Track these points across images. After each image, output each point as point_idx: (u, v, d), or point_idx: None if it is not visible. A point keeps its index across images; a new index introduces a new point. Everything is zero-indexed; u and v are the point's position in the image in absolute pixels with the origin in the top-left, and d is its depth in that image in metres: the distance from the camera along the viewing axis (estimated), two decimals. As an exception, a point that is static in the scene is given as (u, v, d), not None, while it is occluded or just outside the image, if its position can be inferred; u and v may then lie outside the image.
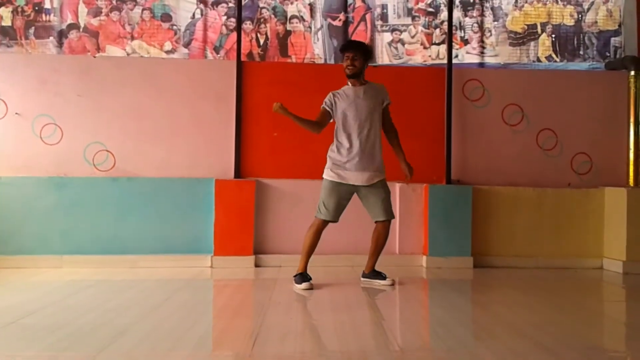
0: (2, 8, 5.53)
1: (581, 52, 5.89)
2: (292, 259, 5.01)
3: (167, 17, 5.66)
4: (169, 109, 5.24)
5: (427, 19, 5.82)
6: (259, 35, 5.70)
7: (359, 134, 4.17)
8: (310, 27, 5.76)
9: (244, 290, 4.33)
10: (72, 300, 3.69)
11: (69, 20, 5.59)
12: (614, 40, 5.88)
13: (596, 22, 5.89)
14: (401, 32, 5.81)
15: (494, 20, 5.86)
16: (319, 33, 5.76)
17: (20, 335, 2.89)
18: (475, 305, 4.02)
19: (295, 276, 4.22)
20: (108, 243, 4.98)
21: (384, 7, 5.80)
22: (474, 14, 5.84)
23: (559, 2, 5.90)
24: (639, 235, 5.01)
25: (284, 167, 5.21)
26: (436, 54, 5.80)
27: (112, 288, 4.14)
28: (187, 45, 5.68)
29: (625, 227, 5.04)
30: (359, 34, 5.77)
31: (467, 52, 5.83)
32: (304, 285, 4.12)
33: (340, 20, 5.77)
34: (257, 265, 5.03)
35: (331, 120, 4.26)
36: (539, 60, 5.88)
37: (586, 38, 5.89)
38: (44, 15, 5.57)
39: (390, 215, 4.27)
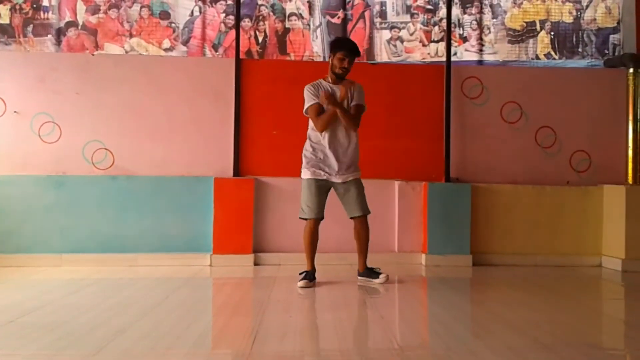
0: (0, 6, 5.51)
1: (580, 50, 5.89)
2: (291, 257, 5.04)
3: (165, 15, 5.65)
4: (167, 107, 5.23)
5: (425, 17, 5.81)
6: (257, 32, 5.70)
7: (335, 132, 4.17)
8: (309, 25, 5.75)
9: (243, 289, 4.33)
10: (72, 299, 3.69)
11: (68, 17, 5.58)
12: (613, 38, 5.88)
13: (595, 19, 5.89)
14: (400, 29, 5.80)
15: (492, 18, 5.85)
16: (318, 30, 5.75)
17: (19, 334, 2.89)
18: (474, 303, 4.03)
19: (301, 273, 4.23)
20: (107, 241, 4.98)
21: (382, 4, 5.79)
22: (473, 12, 5.83)
23: (558, -1, 5.90)
24: (638, 233, 5.01)
25: (283, 165, 5.19)
26: (435, 52, 5.79)
27: (111, 286, 4.14)
28: (185, 42, 5.67)
29: (624, 224, 5.04)
30: (358, 32, 5.76)
31: (466, 50, 5.82)
32: (301, 283, 4.12)
33: (339, 17, 5.76)
34: (256, 264, 5.03)
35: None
36: (537, 57, 5.88)
37: (585, 35, 5.89)
38: (42, 13, 5.56)
39: (365, 210, 4.26)
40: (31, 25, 5.55)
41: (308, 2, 5.74)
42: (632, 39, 5.67)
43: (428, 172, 5.36)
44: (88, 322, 3.09)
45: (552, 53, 5.89)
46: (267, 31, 5.71)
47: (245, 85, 5.28)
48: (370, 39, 5.80)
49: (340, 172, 4.18)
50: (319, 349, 2.76)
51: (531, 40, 5.88)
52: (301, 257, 5.00)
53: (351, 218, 4.29)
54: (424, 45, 5.82)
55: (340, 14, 5.76)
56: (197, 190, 5.08)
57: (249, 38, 5.67)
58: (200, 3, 5.67)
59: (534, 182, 5.39)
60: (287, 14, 5.72)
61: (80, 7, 5.58)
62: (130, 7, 5.62)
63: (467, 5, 5.82)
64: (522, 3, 5.87)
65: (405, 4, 5.80)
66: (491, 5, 5.85)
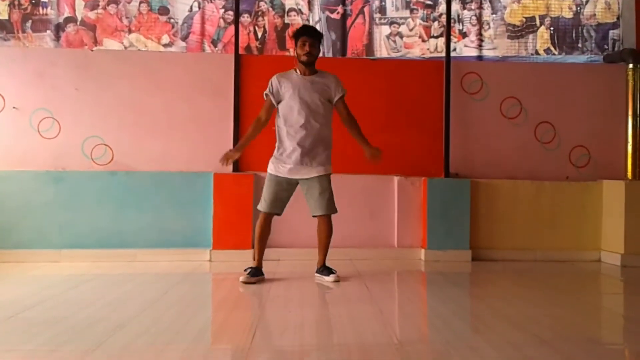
0: None
1: (579, 45, 5.88)
2: (291, 252, 5.05)
3: (164, 10, 5.64)
4: (167, 103, 5.23)
5: (425, 12, 5.80)
6: (256, 28, 5.69)
7: (302, 128, 4.07)
8: (308, 20, 5.74)
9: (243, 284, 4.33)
10: (71, 294, 3.69)
11: (66, 13, 5.57)
12: (613, 33, 5.87)
13: (595, 14, 5.88)
14: (399, 25, 5.80)
15: (492, 13, 5.84)
16: (317, 26, 5.74)
17: (19, 330, 2.89)
18: (473, 298, 4.04)
19: (246, 269, 4.16)
20: (107, 237, 4.98)
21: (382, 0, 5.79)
22: (473, 7, 5.83)
23: (558, -6, 5.89)
24: (637, 228, 5.02)
25: (283, 160, 5.19)
26: (434, 47, 5.79)
27: (110, 282, 4.14)
28: (184, 38, 5.67)
29: (623, 219, 5.05)
30: (357, 27, 5.76)
31: (466, 45, 5.82)
32: (242, 278, 4.05)
33: (338, 13, 5.76)
34: (255, 259, 5.02)
35: (274, 108, 4.19)
36: (537, 53, 5.88)
37: (584, 31, 5.88)
38: (41, 9, 5.55)
39: (327, 210, 4.14)
40: (30, 21, 5.54)
41: (307, -3, 5.73)
42: (632, 35, 5.66)
43: (427, 168, 5.36)
44: (88, 318, 3.09)
45: (552, 48, 5.88)
46: (267, 27, 5.71)
47: (245, 80, 5.28)
48: (370, 34, 5.79)
49: (304, 168, 4.09)
50: (319, 344, 2.77)
51: (531, 36, 5.88)
52: (301, 253, 5.05)
53: (314, 217, 4.21)
54: (423, 40, 5.82)
55: (340, 9, 5.75)
56: (196, 186, 5.09)
57: (248, 34, 5.67)
58: (199, -2, 5.66)
59: (534, 178, 5.39)
60: (286, 10, 5.72)
61: (79, 3, 5.58)
62: (129, 3, 5.61)
63: (467, 1, 5.82)
64: (521, -2, 5.86)
65: (405, 0, 5.79)
66: (491, 1, 5.84)
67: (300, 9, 5.71)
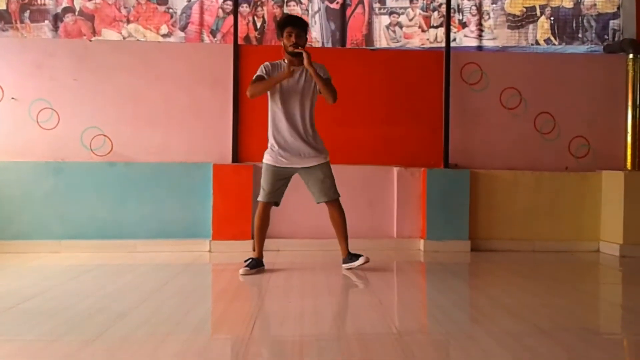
0: (-3, -9, 5.48)
1: (580, 35, 5.87)
2: (291, 243, 5.06)
3: (163, 0, 5.61)
4: (166, 93, 5.21)
5: (425, 2, 5.78)
6: (255, 18, 5.67)
7: (295, 118, 4.06)
8: (307, 10, 5.72)
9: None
10: (71, 285, 3.70)
11: (65, 3, 5.55)
12: (613, 23, 5.85)
13: (595, 4, 5.86)
14: (399, 15, 5.77)
15: (492, 3, 5.82)
16: (317, 16, 5.72)
17: (19, 320, 2.90)
18: (472, 289, 4.05)
19: (246, 260, 4.15)
20: (106, 228, 4.99)
21: (381, -11, 5.77)
22: (473, -3, 5.80)
23: (558, -16, 5.87)
24: (636, 218, 5.02)
25: (282, 151, 5.19)
26: (434, 37, 5.77)
27: (110, 273, 4.15)
28: (183, 28, 5.64)
29: (622, 210, 5.05)
30: (357, 17, 5.73)
31: (466, 36, 5.80)
32: (242, 270, 4.04)
33: (337, 3, 5.73)
34: (254, 250, 5.02)
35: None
36: (537, 43, 5.86)
37: (585, 21, 5.86)
38: (39, -1, 5.53)
39: (330, 195, 4.14)
40: (28, 11, 5.52)
41: (306, -13, 5.70)
42: (632, 25, 5.64)
43: (427, 158, 5.35)
44: (88, 308, 3.10)
45: (552, 38, 5.87)
46: (266, 17, 5.68)
47: (244, 71, 5.25)
48: (369, 24, 5.77)
49: (302, 158, 4.08)
50: (318, 334, 2.78)
51: (531, 26, 5.86)
52: (301, 243, 5.07)
53: (318, 203, 4.21)
54: (423, 30, 5.80)
55: (339, -1, 5.73)
56: (196, 177, 5.08)
57: (247, 24, 5.65)
58: (198, -12, 5.63)
59: (533, 168, 5.39)
60: (285, 0, 5.69)
61: (77, -7, 5.55)
62: (127, -7, 5.59)
63: (467, -9, 5.79)
64: (522, -12, 5.84)
65: (405, -11, 5.77)
66: (491, -9, 5.82)
67: (299, -1, 5.69)
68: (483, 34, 5.81)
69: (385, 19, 5.77)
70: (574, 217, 5.32)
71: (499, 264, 4.71)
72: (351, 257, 4.22)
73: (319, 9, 5.72)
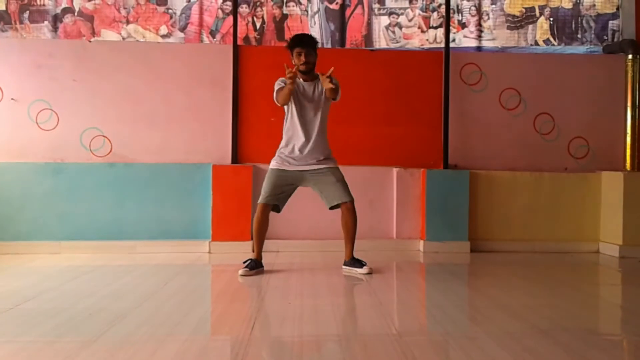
0: (-4, -8, 5.48)
1: (579, 36, 5.87)
2: (290, 244, 5.06)
3: (162, 1, 5.61)
4: (165, 94, 5.21)
5: (424, 2, 5.78)
6: (255, 19, 5.67)
7: (308, 130, 4.10)
8: (307, 11, 5.72)
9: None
10: (71, 286, 3.70)
11: (64, 4, 5.54)
12: (612, 24, 5.85)
13: (594, 5, 5.86)
14: (398, 15, 5.77)
15: (491, 4, 5.82)
16: (316, 17, 5.72)
17: (19, 321, 2.90)
18: (471, 289, 4.05)
19: (245, 261, 4.15)
20: (106, 228, 4.99)
21: (381, -10, 5.77)
22: (472, -3, 5.80)
23: (557, -15, 5.87)
24: (635, 219, 5.03)
25: (281, 152, 5.19)
26: (434, 38, 5.77)
27: (110, 273, 4.15)
28: (183, 29, 5.64)
29: (621, 211, 5.05)
30: (356, 18, 5.74)
31: (465, 36, 5.80)
32: (241, 271, 4.05)
33: (337, 3, 5.73)
34: (254, 251, 5.02)
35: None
36: (536, 43, 5.86)
37: (584, 21, 5.86)
38: (38, 0, 5.52)
39: (346, 197, 4.15)
40: (27, 12, 5.52)
41: (306, -13, 5.70)
42: (631, 25, 5.65)
43: (426, 159, 5.36)
44: (87, 309, 3.10)
45: (551, 39, 5.87)
46: (265, 17, 5.68)
47: (243, 71, 5.26)
48: (369, 25, 5.77)
49: (314, 164, 4.11)
50: (318, 335, 2.78)
51: (530, 26, 5.86)
52: (300, 244, 5.07)
53: (331, 208, 4.20)
54: (422, 31, 5.80)
55: (339, -1, 5.73)
56: (195, 177, 5.08)
57: (247, 24, 5.65)
58: (197, -11, 5.63)
59: (532, 169, 5.39)
60: (285, 0, 5.69)
61: (77, -6, 5.55)
62: (126, -7, 5.58)
63: (466, -9, 5.79)
64: (521, -11, 5.84)
65: (404, -10, 5.77)
66: (490, -9, 5.82)
67: (299, 0, 5.69)
68: (482, 34, 5.82)
69: (385, 20, 5.78)
70: (574, 218, 5.32)
71: (499, 265, 4.71)
72: (354, 262, 4.22)
73: (319, 10, 5.72)
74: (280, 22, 5.68)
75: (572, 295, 3.67)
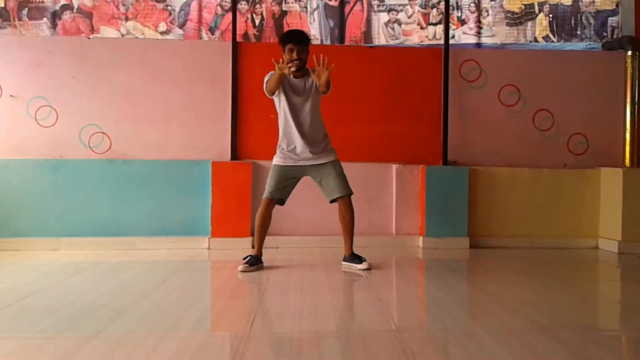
0: (-5, -11, 5.46)
1: (578, 32, 5.86)
2: (290, 240, 5.07)
3: (161, -2, 5.60)
4: (164, 91, 5.21)
5: (424, -1, 5.77)
6: (254, 15, 5.66)
7: (301, 125, 4.11)
8: (306, 8, 5.71)
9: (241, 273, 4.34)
10: (70, 282, 3.70)
11: (63, 1, 5.53)
12: (611, 20, 5.85)
13: (593, 1, 5.85)
14: (398, 12, 5.77)
15: (491, 0, 5.81)
16: (315, 13, 5.71)
17: (19, 317, 2.90)
18: (471, 285, 4.05)
19: (245, 257, 4.15)
20: (105, 225, 4.99)
21: (380, -14, 5.76)
22: (471, -6, 5.79)
23: (557, -19, 5.86)
24: (635, 215, 5.03)
25: (281, 148, 5.19)
26: (433, 35, 5.77)
27: (109, 270, 4.15)
28: (181, 26, 5.63)
29: (620, 207, 5.06)
30: (356, 14, 5.73)
31: (464, 33, 5.80)
32: (241, 267, 4.05)
33: (336, 0, 5.72)
34: (253, 247, 5.02)
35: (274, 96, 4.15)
36: (536, 40, 5.85)
37: (583, 18, 5.86)
38: (37, -4, 5.51)
39: (344, 191, 4.15)
40: (26, 9, 5.51)
41: (305, -16, 5.69)
42: (631, 22, 5.64)
43: (426, 155, 5.36)
44: (87, 305, 3.10)
45: (551, 36, 5.86)
46: (264, 14, 5.67)
47: (242, 68, 5.26)
48: (368, 21, 5.76)
49: (312, 157, 4.12)
50: (317, 331, 2.78)
51: (529, 23, 5.85)
52: (300, 240, 5.08)
53: (332, 202, 4.21)
54: (422, 28, 5.79)
55: (338, -4, 5.72)
56: (194, 174, 5.08)
57: (246, 21, 5.64)
58: (196, -15, 5.62)
59: (532, 165, 5.39)
60: (284, -3, 5.68)
61: (76, -10, 5.53)
62: (125, -10, 5.57)
63: (466, -12, 5.79)
64: (520, -15, 5.83)
65: (403, -14, 5.77)
66: (489, -12, 5.81)
67: (298, -4, 5.68)
68: (482, 31, 5.81)
69: (384, 16, 5.77)
70: (573, 214, 5.33)
71: (498, 261, 4.71)
72: (354, 257, 4.22)
73: (318, 6, 5.71)
74: (279, 18, 5.68)
75: (571, 291, 3.68)
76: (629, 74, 5.42)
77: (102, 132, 5.13)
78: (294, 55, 4.04)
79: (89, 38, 5.33)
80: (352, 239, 4.26)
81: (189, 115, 5.22)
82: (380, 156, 5.31)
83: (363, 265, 4.14)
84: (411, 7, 5.77)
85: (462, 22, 5.79)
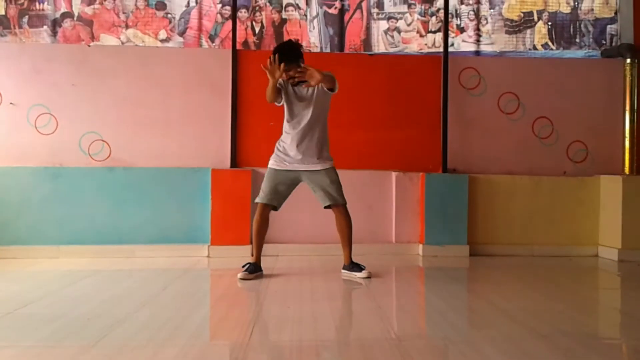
0: (-5, -3, 5.48)
1: (577, 40, 5.88)
2: (289, 248, 5.06)
3: (161, 5, 5.62)
4: (164, 98, 5.22)
5: (423, 7, 5.79)
6: (254, 23, 5.67)
7: (300, 130, 4.09)
8: (306, 15, 5.73)
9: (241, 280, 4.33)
10: (69, 291, 3.69)
11: (63, 8, 5.55)
12: (610, 28, 5.87)
13: (592, 9, 5.87)
14: (397, 20, 5.78)
15: (490, 8, 5.83)
16: (315, 21, 5.73)
17: (17, 326, 2.89)
18: (471, 293, 4.04)
19: (244, 265, 4.15)
20: (105, 233, 4.98)
21: (380, -5, 5.78)
22: (470, 2, 5.81)
23: (556, -11, 5.88)
24: (634, 223, 5.03)
25: (280, 156, 5.19)
26: (432, 42, 5.78)
27: (109, 278, 4.14)
28: (182, 33, 5.65)
29: (620, 215, 5.06)
30: (355, 22, 5.74)
31: (463, 41, 5.81)
32: (240, 274, 4.05)
33: (336, 8, 5.74)
34: (253, 254, 5.02)
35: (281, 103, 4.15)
36: (535, 48, 5.87)
37: (582, 26, 5.88)
38: (37, 4, 5.52)
39: (337, 200, 4.14)
40: (26, 16, 5.52)
41: (305, -8, 5.71)
42: (630, 30, 5.66)
43: (425, 163, 5.36)
44: (86, 314, 3.09)
45: (550, 43, 5.88)
46: (264, 22, 5.69)
47: (242, 76, 5.27)
48: (368, 29, 5.78)
49: (308, 163, 4.10)
50: (317, 339, 2.77)
51: (528, 31, 5.87)
52: (299, 248, 5.07)
53: (325, 208, 4.20)
54: (421, 35, 5.81)
55: (338, 4, 5.74)
56: (194, 182, 5.08)
57: (246, 29, 5.65)
58: (196, -6, 5.64)
59: (531, 173, 5.40)
60: (283, 5, 5.70)
61: (76, -2, 5.55)
62: (126, -2, 5.59)
63: (465, -4, 5.81)
64: (519, -7, 5.85)
65: (403, -5, 5.78)
66: (488, -4, 5.83)
67: (297, 4, 5.70)
68: (481, 39, 5.83)
69: (384, 24, 5.78)
70: (573, 222, 5.32)
71: (498, 269, 4.71)
72: (353, 266, 4.21)
73: (317, 14, 5.73)
74: (279, 26, 5.69)
75: (572, 299, 3.67)
76: (628, 81, 5.44)
77: (102, 140, 5.14)
78: (290, 74, 4.02)
79: (89, 46, 5.35)
80: (350, 247, 4.25)
81: (189, 122, 5.22)
82: (380, 164, 5.32)
83: (363, 274, 4.14)
84: (410, 15, 5.79)
85: (462, 30, 5.81)
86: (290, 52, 4.05)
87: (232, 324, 3.01)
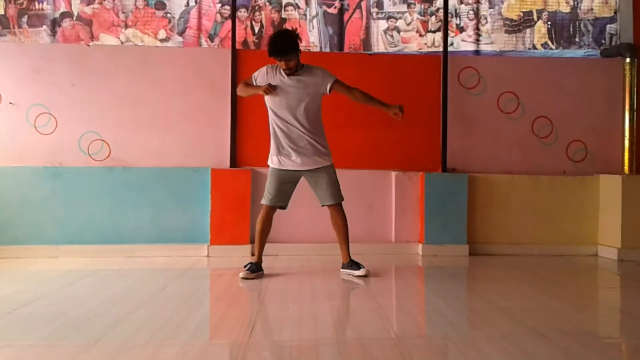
0: (-5, -4, 5.48)
1: (577, 40, 5.88)
2: (289, 247, 5.06)
3: (161, 5, 5.61)
4: (163, 98, 5.21)
5: (422, 7, 5.79)
6: (253, 23, 5.67)
7: (291, 124, 4.07)
8: (305, 15, 5.73)
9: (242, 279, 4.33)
10: (69, 290, 3.69)
11: (62, 8, 5.55)
12: (610, 28, 5.87)
13: (592, 9, 5.87)
14: (397, 19, 5.78)
15: (489, 8, 5.83)
16: (314, 21, 5.73)
17: (17, 325, 2.89)
18: (470, 293, 4.05)
19: (246, 265, 4.15)
20: (104, 232, 4.98)
21: (379, -6, 5.78)
22: (470, 1, 5.81)
23: (555, -11, 5.88)
24: (634, 222, 5.03)
25: (280, 155, 5.19)
26: (432, 42, 5.78)
27: (108, 277, 4.14)
28: (181, 33, 5.65)
29: (620, 214, 5.06)
30: (354, 22, 5.74)
31: (463, 40, 5.81)
32: (242, 274, 4.05)
33: (335, 7, 5.74)
34: (253, 254, 5.01)
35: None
36: (534, 47, 5.87)
37: (582, 25, 5.88)
38: (37, 4, 5.52)
39: (335, 199, 4.15)
40: (26, 16, 5.52)
41: (304, -8, 5.71)
42: (629, 29, 5.66)
43: (425, 163, 5.36)
44: (86, 313, 3.10)
45: (549, 43, 5.88)
46: (264, 21, 5.69)
47: (242, 75, 5.25)
48: (367, 29, 5.78)
49: (305, 161, 4.09)
50: (317, 339, 2.77)
51: (528, 30, 5.87)
52: (299, 248, 5.07)
53: (323, 206, 4.22)
54: (420, 35, 5.81)
55: (337, 3, 5.74)
56: (193, 181, 5.08)
57: (245, 28, 5.65)
58: (195, -7, 5.63)
59: (531, 172, 5.40)
60: (283, 4, 5.70)
61: (75, -2, 5.55)
62: (125, -2, 5.59)
63: (464, -5, 5.81)
64: (519, -7, 5.85)
65: (402, -6, 5.79)
66: (488, -5, 5.83)
67: (297, 4, 5.70)
68: (480, 38, 5.83)
69: (383, 24, 5.78)
70: (572, 221, 5.32)
71: (497, 268, 4.71)
72: (352, 264, 4.22)
73: (317, 14, 5.73)
74: (278, 26, 5.69)
75: (571, 298, 3.67)
76: (628, 80, 5.44)
77: (102, 140, 5.14)
78: (283, 66, 4.04)
79: (88, 45, 5.35)
80: (348, 245, 4.25)
81: (188, 122, 5.22)
82: (380, 163, 5.32)
83: (361, 272, 4.14)
84: (410, 14, 5.79)
85: (461, 29, 5.81)
86: (285, 49, 4.01)
87: (232, 324, 3.01)
